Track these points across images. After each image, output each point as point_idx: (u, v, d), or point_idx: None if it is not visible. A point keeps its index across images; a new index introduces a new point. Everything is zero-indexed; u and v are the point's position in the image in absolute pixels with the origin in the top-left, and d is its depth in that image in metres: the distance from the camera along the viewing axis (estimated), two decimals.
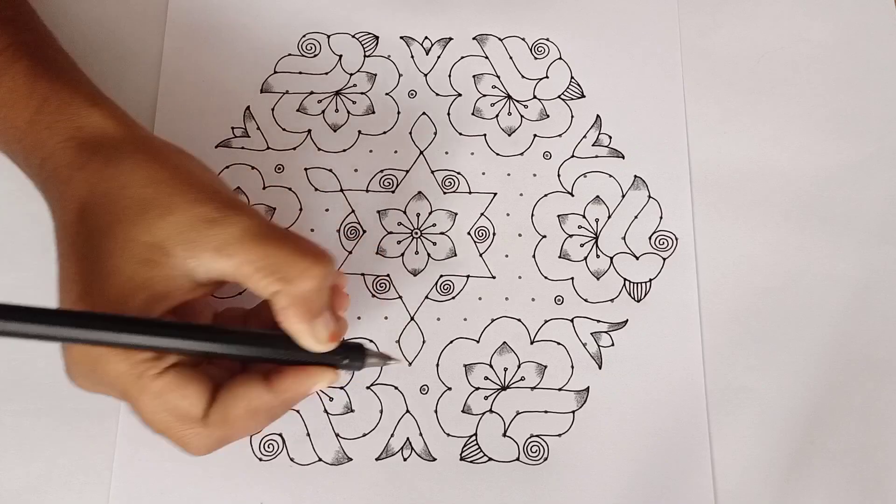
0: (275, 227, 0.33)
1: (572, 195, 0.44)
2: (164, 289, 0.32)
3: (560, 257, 0.43)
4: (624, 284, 0.42)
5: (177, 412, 0.32)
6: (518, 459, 0.40)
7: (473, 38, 0.46)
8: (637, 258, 0.43)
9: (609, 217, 0.43)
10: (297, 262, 0.32)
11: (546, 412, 0.40)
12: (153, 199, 0.32)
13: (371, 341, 0.41)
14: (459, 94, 0.45)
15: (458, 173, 0.44)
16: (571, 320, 0.42)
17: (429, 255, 0.43)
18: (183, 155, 0.35)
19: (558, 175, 0.44)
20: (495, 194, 0.44)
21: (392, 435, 0.40)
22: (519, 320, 0.42)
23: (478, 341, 0.41)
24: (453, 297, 0.42)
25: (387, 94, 0.45)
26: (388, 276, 0.42)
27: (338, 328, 0.34)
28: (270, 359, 0.33)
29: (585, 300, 0.42)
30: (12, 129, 0.36)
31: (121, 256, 0.32)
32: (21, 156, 0.37)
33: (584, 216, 0.43)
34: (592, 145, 0.44)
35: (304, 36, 0.46)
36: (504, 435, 0.40)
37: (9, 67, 0.36)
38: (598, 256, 0.43)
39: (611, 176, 0.44)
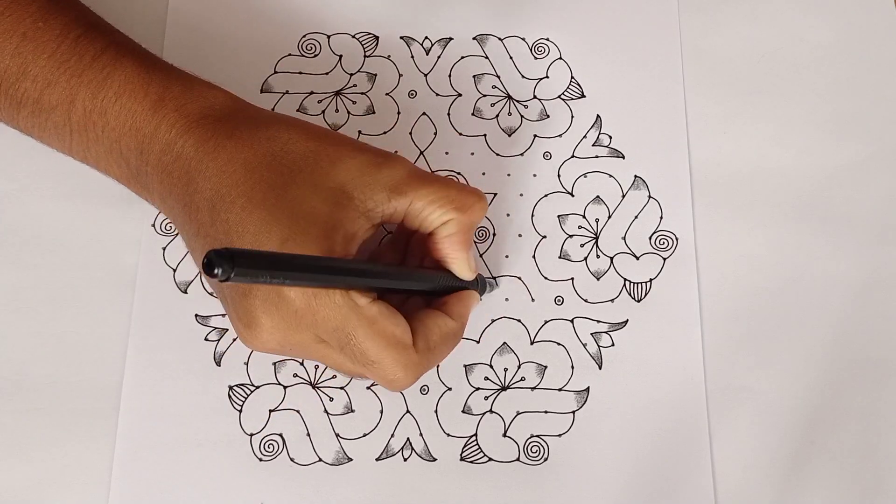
0: (429, 172, 0.37)
1: (572, 195, 0.44)
2: (352, 228, 0.34)
3: (560, 258, 0.43)
4: (624, 284, 0.42)
5: (392, 339, 0.34)
6: (518, 460, 0.40)
7: (473, 38, 0.46)
8: (637, 258, 0.43)
9: (609, 217, 0.43)
10: (467, 196, 0.37)
11: (546, 412, 0.40)
12: (320, 151, 0.35)
13: None
14: (459, 94, 0.45)
15: (458, 173, 0.44)
16: (571, 320, 0.42)
17: None
18: None
19: (558, 175, 0.44)
20: (495, 195, 0.44)
21: (392, 435, 0.40)
22: (519, 321, 0.42)
23: (478, 341, 0.41)
24: None
25: (387, 94, 0.45)
26: None
27: None
28: (447, 289, 0.38)
29: (585, 300, 0.42)
30: (131, 118, 0.37)
31: (313, 200, 0.34)
32: (135, 150, 0.37)
33: (584, 216, 0.43)
34: (592, 145, 0.45)
35: (304, 36, 0.46)
36: (504, 435, 0.40)
37: (118, 63, 0.37)
38: (598, 256, 0.43)
39: (611, 176, 0.44)
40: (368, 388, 0.40)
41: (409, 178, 0.36)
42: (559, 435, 0.40)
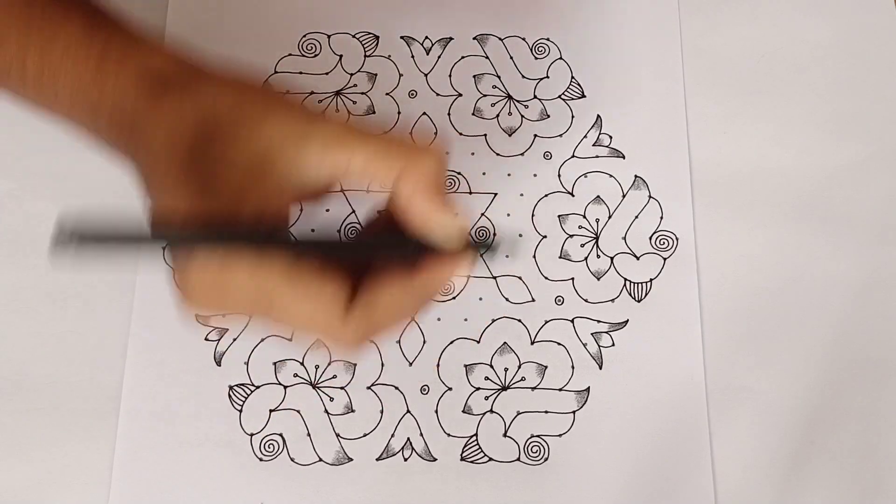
0: (370, 128, 0.32)
1: (573, 195, 0.44)
2: (273, 193, 0.31)
3: (560, 257, 0.43)
4: (624, 284, 0.42)
5: (321, 299, 0.31)
6: (518, 459, 0.40)
7: (474, 38, 0.46)
8: (637, 258, 0.43)
9: (609, 217, 0.43)
10: (413, 144, 0.31)
11: (546, 412, 0.40)
12: (249, 112, 0.32)
13: (371, 341, 0.41)
14: (460, 94, 0.45)
15: (459, 173, 0.44)
16: (572, 320, 0.42)
17: None
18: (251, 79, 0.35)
19: (559, 175, 0.44)
20: (496, 194, 0.44)
21: (393, 435, 0.40)
22: (519, 320, 0.42)
23: (478, 341, 0.41)
24: (454, 298, 0.42)
25: (387, 94, 0.45)
26: None
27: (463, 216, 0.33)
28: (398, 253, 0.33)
29: (586, 300, 0.42)
30: (77, 83, 0.35)
31: (229, 166, 0.31)
32: (87, 110, 0.36)
33: (584, 216, 0.43)
34: (593, 145, 0.45)
35: (304, 36, 0.46)
36: (504, 435, 0.40)
37: (65, 19, 0.35)
38: (598, 256, 0.43)
39: (611, 176, 0.44)
40: (369, 387, 0.40)
41: (347, 132, 0.31)
42: (559, 435, 0.40)
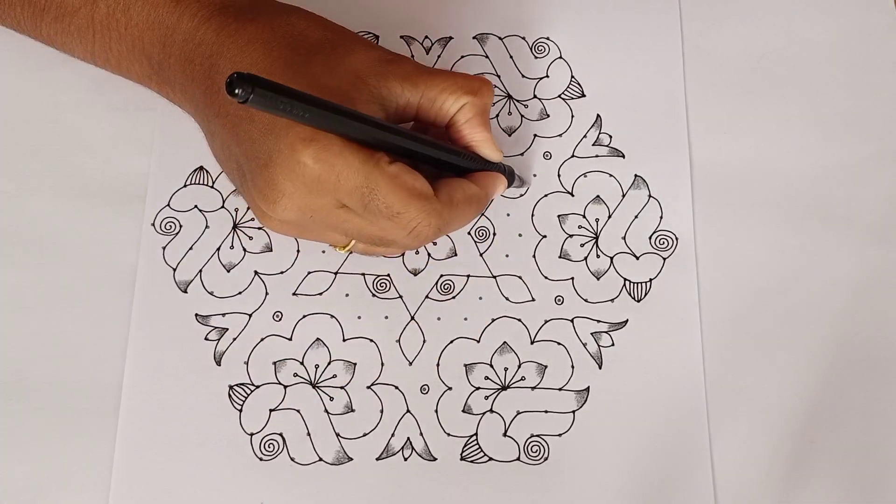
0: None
1: (572, 195, 0.44)
2: (367, 111, 0.35)
3: (560, 257, 0.43)
4: (624, 284, 0.42)
5: (414, 190, 0.35)
6: (518, 459, 0.40)
7: (473, 38, 0.46)
8: (637, 258, 0.43)
9: (609, 217, 0.43)
10: (475, 80, 0.38)
11: (546, 412, 0.40)
12: (337, 41, 0.37)
13: (371, 341, 0.41)
14: None
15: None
16: (571, 320, 0.42)
17: (429, 254, 0.43)
18: None
19: (558, 175, 0.44)
20: None
21: (392, 435, 0.40)
22: (519, 320, 0.42)
23: (478, 341, 0.41)
24: (454, 297, 0.42)
25: None
26: (388, 275, 0.42)
27: None
28: (467, 168, 0.39)
29: (585, 300, 0.42)
30: (154, 12, 0.38)
31: (330, 78, 0.35)
32: (158, 43, 0.39)
33: (584, 216, 0.43)
34: (593, 145, 0.45)
35: None
36: (504, 435, 0.40)
37: None
38: (598, 256, 0.43)
39: (611, 175, 0.44)
40: (368, 387, 0.40)
41: (419, 70, 0.37)
42: (559, 435, 0.40)
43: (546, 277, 0.42)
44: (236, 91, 0.28)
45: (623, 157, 0.44)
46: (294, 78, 0.35)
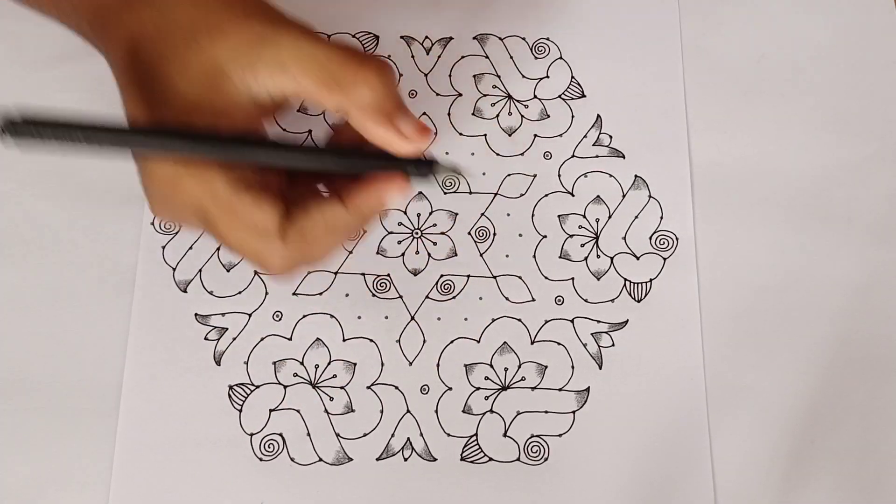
0: (326, 41, 0.32)
1: (573, 195, 0.44)
2: (225, 110, 0.32)
3: (560, 257, 0.43)
4: (624, 284, 0.42)
5: (254, 227, 0.32)
6: (518, 460, 0.40)
7: (474, 38, 0.46)
8: (637, 258, 0.43)
9: (609, 217, 0.43)
10: (362, 65, 0.32)
11: (546, 412, 0.40)
12: (203, 23, 0.32)
13: (371, 341, 0.41)
14: (460, 94, 0.45)
15: (459, 173, 0.44)
16: (572, 320, 0.42)
17: (429, 254, 0.43)
18: None
19: (559, 175, 0.44)
20: (496, 194, 0.44)
21: (392, 435, 0.40)
22: (519, 320, 0.42)
23: (478, 341, 0.41)
24: (454, 297, 0.42)
25: None
26: (388, 275, 0.42)
27: (421, 124, 0.33)
28: (334, 171, 0.33)
29: (586, 300, 0.42)
30: None
31: (181, 80, 0.31)
32: (72, 15, 0.37)
33: (584, 216, 0.43)
34: (593, 145, 0.45)
35: None
36: (504, 435, 0.40)
37: None
38: (598, 256, 0.43)
39: (611, 176, 0.44)
40: (369, 387, 0.40)
41: (292, 59, 0.31)
42: (559, 435, 0.40)
43: (546, 277, 0.42)
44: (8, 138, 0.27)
45: (623, 157, 0.44)
46: (145, 88, 0.32)
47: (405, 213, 0.43)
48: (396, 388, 0.40)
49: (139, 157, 0.32)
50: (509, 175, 0.44)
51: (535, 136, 0.45)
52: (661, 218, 0.43)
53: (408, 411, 0.40)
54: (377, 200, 0.33)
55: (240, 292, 0.42)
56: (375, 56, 0.33)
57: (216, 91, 0.32)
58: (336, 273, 0.42)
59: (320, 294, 0.42)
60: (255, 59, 0.31)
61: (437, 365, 0.41)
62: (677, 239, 0.43)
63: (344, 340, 0.41)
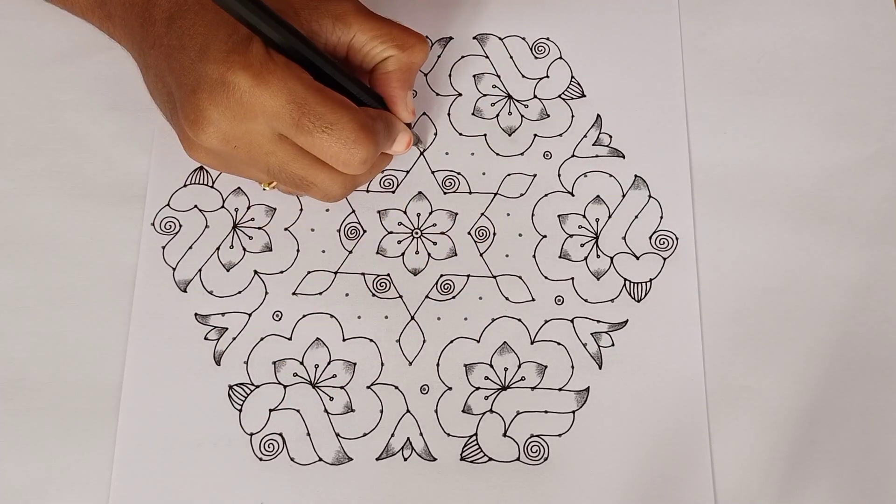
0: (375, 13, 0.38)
1: (572, 195, 0.44)
2: None
3: (560, 257, 0.43)
4: (624, 284, 0.42)
5: (343, 101, 0.35)
6: (518, 459, 0.40)
7: (474, 38, 0.46)
8: (637, 258, 0.43)
9: (609, 217, 0.43)
10: (409, 36, 0.38)
11: (546, 412, 0.40)
12: None
13: (371, 340, 0.41)
14: (460, 94, 0.45)
15: (459, 173, 0.44)
16: (571, 320, 0.42)
17: (429, 254, 0.43)
18: None
19: (558, 175, 0.44)
20: (495, 194, 0.44)
21: (392, 435, 0.40)
22: (519, 320, 0.42)
23: (478, 341, 0.41)
24: (454, 297, 0.42)
25: None
26: (388, 275, 0.42)
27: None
28: (360, 95, 0.38)
29: (585, 300, 0.42)
30: None
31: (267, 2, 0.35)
32: None
33: (584, 216, 0.43)
34: (593, 145, 0.45)
35: None
36: (504, 435, 0.40)
37: None
38: (598, 256, 0.43)
39: (611, 176, 0.44)
40: (368, 387, 0.40)
41: (355, 12, 0.37)
42: (559, 435, 0.40)
43: (546, 277, 0.42)
44: None
45: (623, 157, 0.44)
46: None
47: (405, 213, 0.43)
48: (396, 387, 0.40)
49: (215, 65, 0.34)
50: (509, 175, 0.44)
51: (535, 135, 0.45)
52: (661, 218, 0.43)
53: (408, 411, 0.40)
54: (401, 124, 0.40)
55: (239, 292, 0.42)
56: (420, 33, 0.39)
57: (288, 21, 0.35)
58: (336, 273, 0.42)
59: (320, 294, 0.42)
60: (323, 9, 0.37)
61: (437, 365, 0.41)
62: (677, 239, 0.43)
63: (344, 340, 0.41)
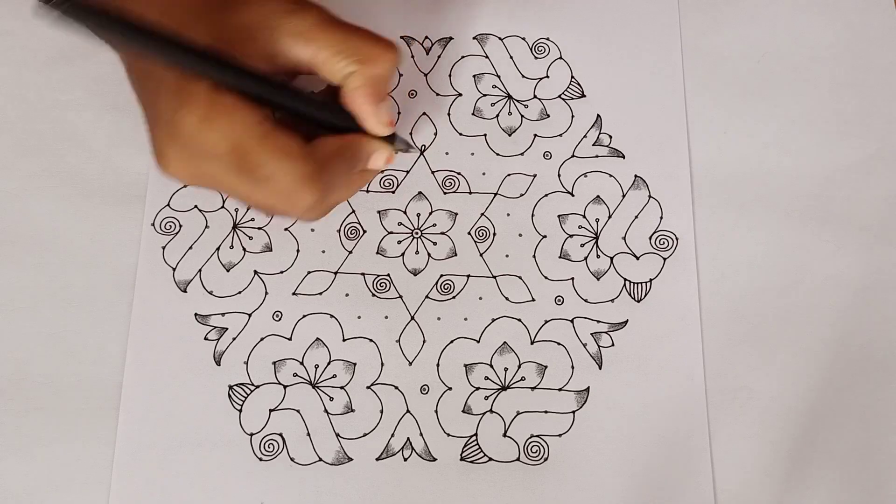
0: (344, 21, 0.36)
1: (572, 195, 0.44)
2: (255, 61, 0.34)
3: (560, 257, 0.43)
4: (624, 284, 0.42)
5: (286, 149, 0.34)
6: (518, 459, 0.40)
7: (474, 38, 0.46)
8: (637, 258, 0.43)
9: (609, 217, 0.43)
10: (373, 46, 0.36)
11: (546, 412, 0.40)
12: None
13: (371, 341, 0.41)
14: (460, 94, 0.45)
15: (458, 173, 0.44)
16: (571, 320, 0.42)
17: (429, 254, 0.43)
18: None
19: (558, 175, 0.44)
20: (495, 194, 0.44)
21: (392, 435, 0.40)
22: (519, 320, 0.42)
23: (478, 341, 0.41)
24: (454, 297, 0.42)
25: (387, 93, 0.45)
26: (388, 275, 0.42)
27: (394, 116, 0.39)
28: (343, 127, 0.37)
29: (585, 300, 0.42)
30: None
31: (221, 28, 0.34)
32: None
33: (584, 216, 0.43)
34: (593, 145, 0.45)
35: None
36: (504, 435, 0.40)
37: None
38: (598, 256, 0.43)
39: (611, 176, 0.44)
40: (368, 387, 0.40)
41: (316, 28, 0.35)
42: (559, 435, 0.40)
43: (546, 277, 0.42)
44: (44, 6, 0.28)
45: (623, 157, 0.44)
46: (190, 24, 0.34)
47: (405, 213, 0.43)
48: (396, 388, 0.40)
49: (168, 101, 0.33)
50: (509, 175, 0.44)
51: (535, 135, 0.45)
52: (661, 218, 0.43)
53: (408, 411, 0.40)
54: (370, 145, 0.38)
55: (239, 292, 0.42)
56: (388, 39, 0.37)
57: (241, 48, 0.34)
58: (336, 273, 0.42)
59: (320, 294, 0.42)
60: (280, 26, 0.34)
61: (437, 365, 0.41)
62: (677, 239, 0.43)
63: (344, 340, 0.41)
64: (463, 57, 0.46)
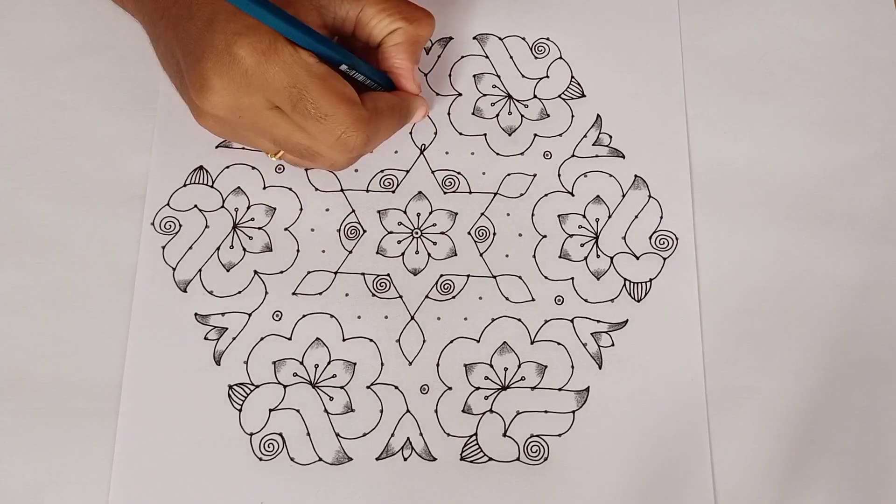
0: None
1: (572, 195, 0.44)
2: (304, 18, 0.37)
3: (560, 257, 0.43)
4: (624, 284, 0.42)
5: (343, 94, 0.36)
6: (518, 459, 0.40)
7: (474, 38, 0.46)
8: (637, 258, 0.43)
9: (609, 217, 0.43)
10: (417, 9, 0.39)
11: (546, 412, 0.40)
12: None
13: (371, 340, 0.41)
14: (460, 94, 0.45)
15: (459, 173, 0.44)
16: (571, 320, 0.42)
17: (429, 254, 0.43)
18: None
19: (558, 175, 0.44)
20: (495, 194, 0.44)
21: (392, 435, 0.40)
22: (519, 320, 0.42)
23: (478, 341, 0.41)
24: (453, 297, 0.42)
25: None
26: (388, 275, 0.42)
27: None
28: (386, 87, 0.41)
29: (585, 300, 0.42)
30: None
31: None
32: None
33: (584, 216, 0.43)
34: (593, 145, 0.45)
35: None
36: (504, 435, 0.40)
37: None
38: (598, 256, 0.43)
39: (611, 176, 0.44)
40: (368, 387, 0.40)
41: None
42: (559, 435, 0.40)
43: (546, 277, 0.42)
44: None
45: (623, 157, 0.44)
46: None
47: (405, 212, 0.43)
48: (396, 387, 0.40)
49: (224, 34, 0.34)
50: (509, 175, 0.44)
51: (535, 135, 0.45)
52: (661, 218, 0.43)
53: (407, 411, 0.40)
54: (416, 105, 0.42)
55: (239, 292, 0.42)
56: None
57: (290, 5, 0.36)
58: (336, 273, 0.42)
59: (320, 294, 0.42)
60: None
61: (437, 365, 0.41)
62: (677, 239, 0.43)
63: (344, 340, 0.41)
64: (463, 57, 0.46)
